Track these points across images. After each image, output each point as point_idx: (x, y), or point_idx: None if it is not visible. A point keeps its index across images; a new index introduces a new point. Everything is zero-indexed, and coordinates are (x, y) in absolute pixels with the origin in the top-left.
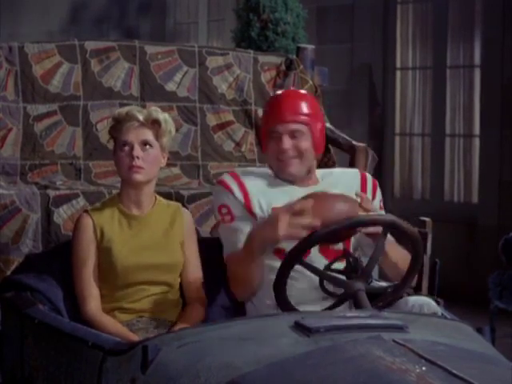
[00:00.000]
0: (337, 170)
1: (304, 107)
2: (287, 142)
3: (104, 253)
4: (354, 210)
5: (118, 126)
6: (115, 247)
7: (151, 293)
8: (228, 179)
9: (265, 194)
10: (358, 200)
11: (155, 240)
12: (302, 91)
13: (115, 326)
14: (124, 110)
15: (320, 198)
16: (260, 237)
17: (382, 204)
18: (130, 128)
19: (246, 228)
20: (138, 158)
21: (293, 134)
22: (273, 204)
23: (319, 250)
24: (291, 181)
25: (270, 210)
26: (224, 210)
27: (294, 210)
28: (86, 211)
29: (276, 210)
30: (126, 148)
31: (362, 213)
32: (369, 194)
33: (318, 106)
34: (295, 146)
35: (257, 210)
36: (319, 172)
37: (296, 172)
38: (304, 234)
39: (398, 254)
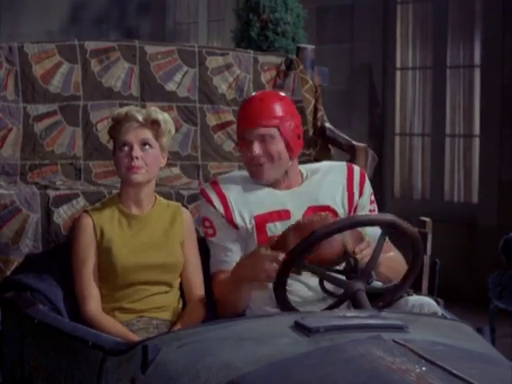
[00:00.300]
0: (324, 166)
1: (272, 109)
2: (257, 148)
3: (104, 253)
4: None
5: (117, 126)
6: (115, 247)
7: (151, 293)
8: (208, 190)
9: (246, 203)
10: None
11: (155, 240)
12: (273, 92)
13: (115, 326)
14: (123, 110)
15: (302, 229)
16: (244, 273)
17: (372, 197)
18: (129, 128)
19: (227, 243)
20: (137, 158)
21: (262, 139)
22: (254, 213)
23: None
24: (271, 184)
25: (252, 220)
26: (207, 224)
27: (273, 256)
28: (85, 211)
29: (257, 252)
30: (126, 148)
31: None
32: (356, 188)
33: (290, 105)
34: (265, 151)
35: (238, 221)
36: (305, 168)
37: (270, 177)
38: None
39: (392, 267)
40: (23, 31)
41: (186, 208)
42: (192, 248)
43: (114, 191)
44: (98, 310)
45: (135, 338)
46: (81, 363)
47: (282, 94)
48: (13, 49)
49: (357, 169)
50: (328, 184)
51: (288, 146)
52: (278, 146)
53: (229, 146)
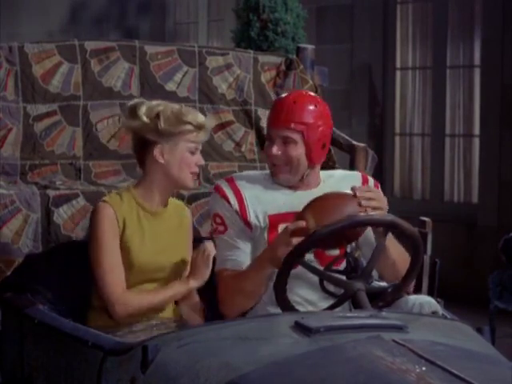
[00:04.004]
0: (338, 173)
1: (301, 114)
2: (276, 148)
3: (123, 249)
4: (355, 210)
5: (195, 131)
6: (135, 244)
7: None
8: (224, 186)
9: (261, 202)
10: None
11: (169, 238)
12: (312, 95)
13: (145, 299)
14: (201, 117)
15: (319, 204)
16: (267, 261)
17: None
18: (202, 136)
19: (237, 241)
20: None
21: (285, 141)
22: (268, 212)
23: (314, 255)
24: (288, 185)
25: (266, 219)
26: (218, 220)
27: (291, 231)
28: (104, 201)
29: (276, 238)
30: (196, 154)
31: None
32: None
33: (324, 112)
34: (285, 154)
35: (252, 219)
36: (321, 173)
37: (284, 180)
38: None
39: (397, 251)
40: (23, 31)
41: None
42: (190, 246)
43: (114, 191)
44: (128, 292)
45: (168, 292)
46: (81, 363)
47: (319, 99)
48: (13, 49)
49: (371, 179)
50: (343, 190)
51: (309, 154)
52: (298, 152)
53: (229, 145)
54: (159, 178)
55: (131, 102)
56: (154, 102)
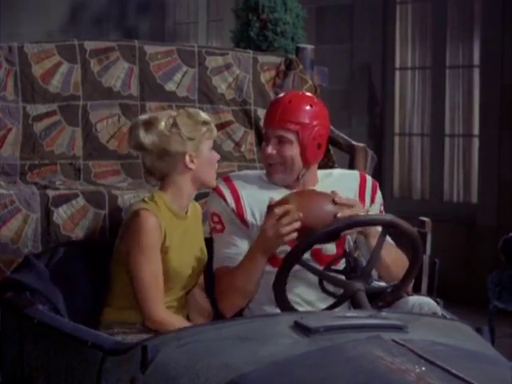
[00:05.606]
0: (336, 172)
1: (296, 114)
2: (271, 148)
3: (162, 258)
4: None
5: (210, 127)
6: (172, 251)
7: (177, 296)
8: (221, 185)
9: (257, 201)
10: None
11: (195, 239)
12: (308, 95)
13: (179, 323)
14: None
15: (304, 195)
16: (259, 250)
17: (382, 208)
18: (215, 131)
19: (235, 239)
20: None
21: (279, 140)
22: (265, 211)
23: (311, 254)
24: (285, 185)
25: (262, 218)
26: (215, 219)
27: (277, 215)
28: (145, 209)
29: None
30: (216, 153)
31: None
32: (367, 197)
33: (320, 113)
34: (279, 153)
35: (249, 218)
36: (318, 173)
37: (279, 179)
38: (294, 234)
39: (392, 256)
40: (23, 31)
41: None
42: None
43: (113, 191)
44: (167, 312)
45: None
46: (81, 363)
47: (316, 99)
48: (12, 49)
49: (369, 179)
50: (341, 189)
51: (303, 154)
52: (293, 152)
53: (228, 145)
54: (188, 184)
55: (144, 119)
56: (165, 113)
